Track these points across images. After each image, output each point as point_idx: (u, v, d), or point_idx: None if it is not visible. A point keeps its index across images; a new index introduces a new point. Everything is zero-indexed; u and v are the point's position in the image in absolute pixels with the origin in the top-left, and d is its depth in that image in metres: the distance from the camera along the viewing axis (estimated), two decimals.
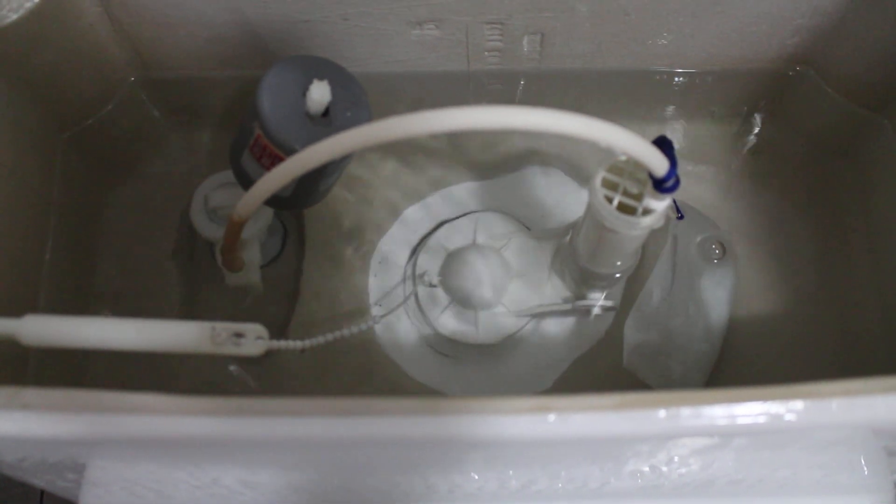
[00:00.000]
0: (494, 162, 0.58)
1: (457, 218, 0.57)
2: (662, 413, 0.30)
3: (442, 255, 0.55)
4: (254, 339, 0.37)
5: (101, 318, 0.35)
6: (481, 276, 0.52)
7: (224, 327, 0.36)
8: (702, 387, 0.53)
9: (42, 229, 0.50)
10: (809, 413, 0.30)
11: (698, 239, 0.55)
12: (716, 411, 0.30)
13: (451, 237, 0.56)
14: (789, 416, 0.30)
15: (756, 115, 0.58)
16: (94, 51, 0.49)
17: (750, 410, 0.30)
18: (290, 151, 0.41)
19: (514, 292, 0.54)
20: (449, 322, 0.54)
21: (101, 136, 0.54)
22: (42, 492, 0.71)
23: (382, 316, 0.53)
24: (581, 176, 0.58)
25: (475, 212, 0.57)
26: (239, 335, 0.37)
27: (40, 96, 0.48)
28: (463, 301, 0.53)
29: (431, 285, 0.53)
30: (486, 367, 0.55)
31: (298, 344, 0.42)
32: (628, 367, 0.54)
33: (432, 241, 0.56)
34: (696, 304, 0.54)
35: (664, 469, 0.41)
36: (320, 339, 0.44)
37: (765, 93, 0.55)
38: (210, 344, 0.36)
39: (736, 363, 0.54)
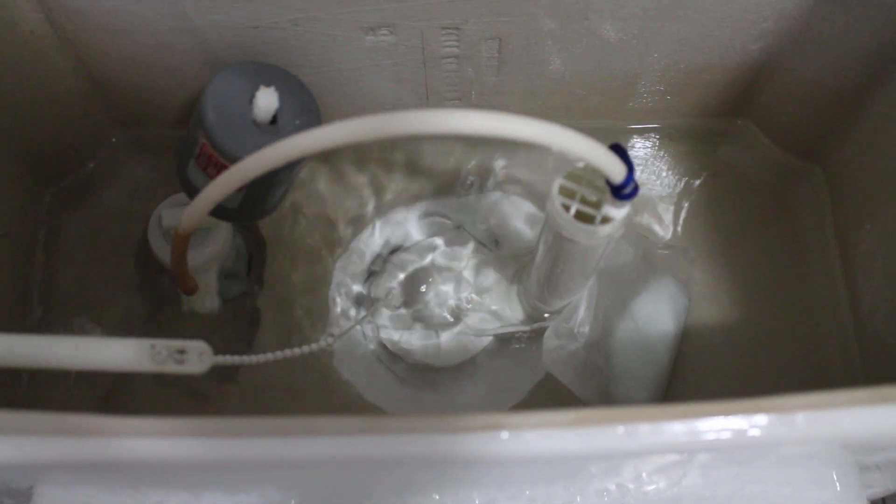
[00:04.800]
0: (453, 182, 0.57)
1: (415, 244, 0.55)
2: (620, 430, 0.29)
3: (399, 275, 0.54)
4: (197, 355, 0.36)
5: (34, 335, 0.33)
6: (442, 296, 0.51)
7: (165, 345, 0.35)
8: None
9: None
10: (774, 427, 0.29)
11: (640, 253, 0.52)
12: (676, 427, 0.29)
13: (410, 258, 0.54)
14: (753, 431, 0.29)
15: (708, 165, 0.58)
16: (36, 59, 0.47)
17: (712, 426, 0.29)
18: (236, 161, 0.39)
19: (474, 312, 0.52)
20: (409, 342, 0.52)
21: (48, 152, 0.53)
22: None
23: (338, 336, 0.51)
24: (541, 200, 0.56)
25: (434, 237, 0.55)
26: (181, 352, 0.36)
27: None
28: (424, 320, 0.52)
29: (393, 307, 0.52)
30: (445, 393, 0.53)
31: (245, 359, 0.40)
32: (546, 367, 0.51)
33: (390, 263, 0.54)
34: (633, 321, 0.51)
35: (631, 487, 0.40)
36: (269, 357, 0.42)
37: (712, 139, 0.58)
38: (150, 362, 0.35)
39: (690, 387, 0.52)
